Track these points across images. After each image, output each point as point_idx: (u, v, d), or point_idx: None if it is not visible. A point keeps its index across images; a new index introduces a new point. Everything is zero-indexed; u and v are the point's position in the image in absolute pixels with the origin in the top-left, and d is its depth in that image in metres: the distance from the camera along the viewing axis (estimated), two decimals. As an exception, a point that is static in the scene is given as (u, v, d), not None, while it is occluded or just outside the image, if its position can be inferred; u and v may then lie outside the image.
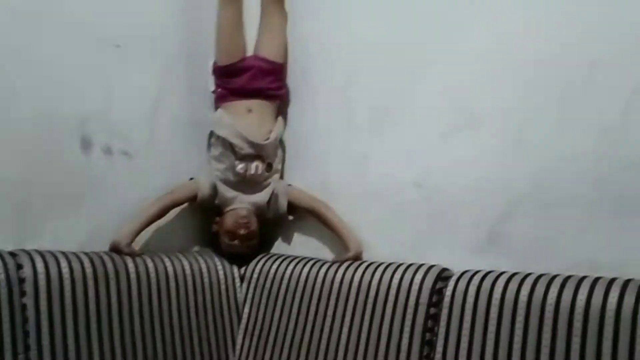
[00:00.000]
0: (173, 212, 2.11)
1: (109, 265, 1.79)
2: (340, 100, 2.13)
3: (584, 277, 1.52)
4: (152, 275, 1.87)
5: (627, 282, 1.45)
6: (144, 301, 1.84)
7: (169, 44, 2.16)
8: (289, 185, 2.15)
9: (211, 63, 2.22)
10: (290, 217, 2.15)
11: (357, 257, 1.94)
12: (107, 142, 1.98)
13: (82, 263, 1.74)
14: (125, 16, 2.03)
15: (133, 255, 1.88)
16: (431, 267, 1.78)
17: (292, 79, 2.29)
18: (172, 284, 1.91)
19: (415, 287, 1.75)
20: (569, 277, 1.54)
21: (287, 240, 2.21)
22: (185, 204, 2.12)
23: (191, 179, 2.12)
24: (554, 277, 1.56)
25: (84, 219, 1.92)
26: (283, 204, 2.11)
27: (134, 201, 2.02)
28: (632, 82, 1.58)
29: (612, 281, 1.47)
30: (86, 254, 1.79)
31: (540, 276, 1.58)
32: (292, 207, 2.13)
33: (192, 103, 2.23)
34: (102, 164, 1.97)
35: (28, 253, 1.70)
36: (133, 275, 1.83)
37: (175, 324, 1.90)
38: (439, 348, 1.66)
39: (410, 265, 1.82)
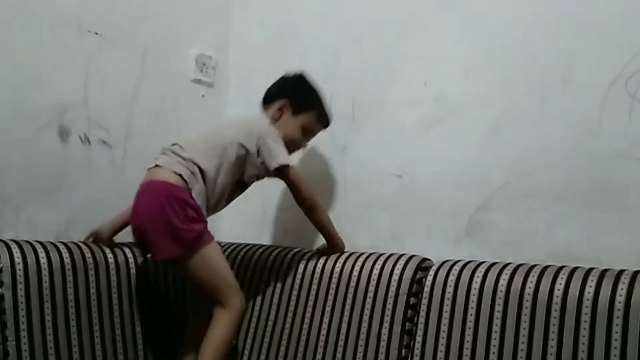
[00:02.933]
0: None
1: (88, 255, 1.78)
2: (322, 92, 2.13)
3: (561, 267, 1.54)
4: (132, 266, 1.86)
5: (604, 272, 1.48)
6: (124, 292, 1.83)
7: (148, 31, 2.14)
8: None
9: (192, 51, 2.20)
10: None
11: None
12: (85, 131, 1.96)
13: (60, 253, 1.73)
14: (104, 3, 2.01)
15: (112, 247, 1.86)
16: (411, 257, 1.79)
17: (271, 69, 2.28)
18: (152, 275, 1.90)
19: (395, 277, 1.76)
20: (546, 267, 1.57)
21: (268, 229, 2.21)
22: None
23: None
24: (532, 267, 1.58)
25: (62, 208, 1.90)
26: None
27: (112, 191, 2.01)
28: (609, 76, 1.60)
29: (589, 271, 1.50)
30: (64, 244, 1.77)
31: (518, 266, 1.60)
32: None
33: (171, 92, 2.21)
34: (80, 154, 1.96)
35: (5, 243, 1.67)
36: (112, 266, 1.82)
37: (155, 315, 1.89)
38: (419, 337, 1.67)
39: (390, 255, 1.83)
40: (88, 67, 1.97)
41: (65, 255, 1.73)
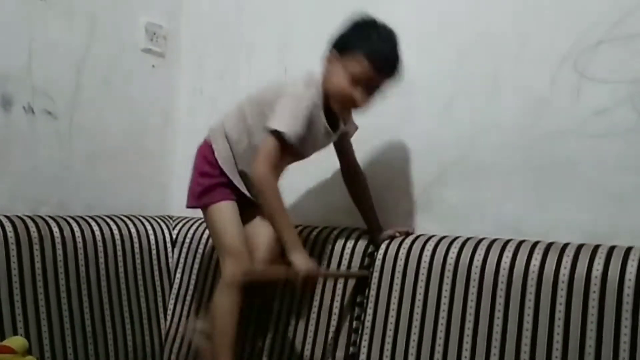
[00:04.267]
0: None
1: (33, 229, 1.72)
2: (275, 63, 2.11)
3: (508, 241, 1.58)
4: (79, 240, 1.81)
5: (549, 246, 1.52)
6: (70, 267, 1.78)
7: (96, -3, 2.07)
8: None
9: (142, 20, 2.13)
10: None
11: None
12: (28, 101, 1.89)
13: (3, 226, 1.67)
14: (48, -33, 1.92)
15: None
16: (364, 231, 1.81)
17: (224, 41, 2.25)
18: (100, 249, 1.86)
19: (347, 250, 1.77)
20: (494, 240, 1.60)
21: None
22: None
23: None
24: (480, 240, 1.62)
25: (4, 181, 1.83)
26: None
27: (57, 163, 1.95)
28: (559, 53, 1.63)
29: (535, 245, 1.54)
30: (7, 217, 1.71)
31: (467, 240, 1.64)
32: None
33: (120, 61, 2.14)
34: (23, 124, 1.88)
35: (-56, 216, 1.61)
36: (58, 240, 1.76)
37: (104, 290, 1.85)
38: (370, 310, 1.69)
39: (343, 229, 1.84)
40: (33, 33, 1.89)
41: (9, 228, 1.67)
